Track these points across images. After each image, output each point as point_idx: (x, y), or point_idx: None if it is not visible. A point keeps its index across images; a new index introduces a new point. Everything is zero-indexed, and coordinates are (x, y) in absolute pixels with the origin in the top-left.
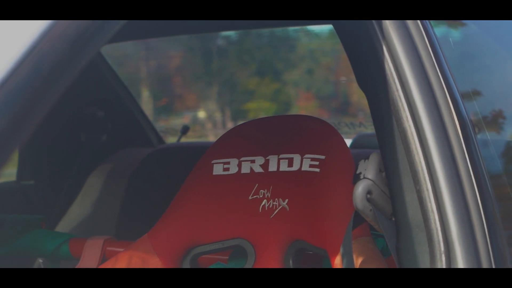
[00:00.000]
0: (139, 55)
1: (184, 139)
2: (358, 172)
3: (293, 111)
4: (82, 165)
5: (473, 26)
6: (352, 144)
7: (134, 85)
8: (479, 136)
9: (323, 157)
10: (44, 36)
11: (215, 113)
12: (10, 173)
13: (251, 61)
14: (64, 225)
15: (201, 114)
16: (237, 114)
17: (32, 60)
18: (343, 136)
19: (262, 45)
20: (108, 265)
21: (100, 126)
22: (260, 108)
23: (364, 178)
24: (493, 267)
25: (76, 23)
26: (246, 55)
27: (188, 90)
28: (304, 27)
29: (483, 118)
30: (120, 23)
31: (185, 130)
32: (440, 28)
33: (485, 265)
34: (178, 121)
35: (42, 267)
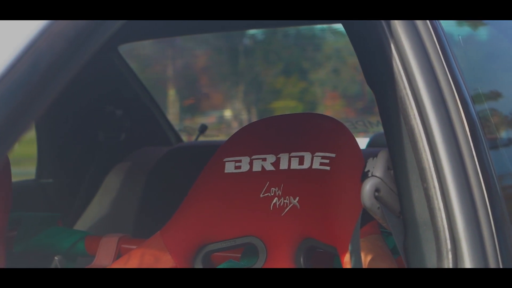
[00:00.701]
0: (166, 55)
1: (210, 139)
2: (366, 170)
3: (319, 110)
4: (101, 164)
5: (492, 27)
6: (369, 143)
7: (160, 85)
8: (503, 135)
9: (333, 155)
10: (42, 34)
11: (241, 113)
12: (29, 172)
13: (277, 60)
14: (82, 223)
15: (227, 113)
16: (263, 114)
17: (30, 58)
18: (361, 135)
19: (289, 44)
20: (120, 262)
21: (119, 125)
22: (286, 107)
23: (372, 176)
24: (500, 265)
25: (74, 21)
26: (273, 54)
27: (214, 89)
28: (330, 26)
29: (504, 118)
30: (119, 22)
31: (203, 129)
32: (464, 28)
33: (492, 263)
34: (204, 120)
35: (58, 264)
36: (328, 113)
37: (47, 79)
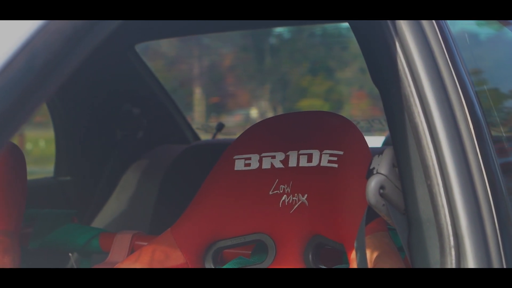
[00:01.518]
0: (192, 53)
1: (231, 137)
2: (371, 167)
3: (346, 109)
4: (118, 162)
5: None
6: (384, 142)
7: (187, 84)
8: None
9: (341, 152)
10: (39, 32)
11: (267, 111)
12: (48, 170)
13: (303, 59)
14: (100, 221)
15: (253, 112)
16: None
17: (25, 56)
18: (377, 133)
19: (315, 43)
20: (132, 258)
21: (136, 123)
22: (312, 106)
23: (377, 173)
24: (503, 261)
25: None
26: (299, 53)
27: (240, 88)
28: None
29: None
30: (116, 22)
31: (220, 127)
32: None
33: (494, 259)
34: (230, 119)
35: (73, 261)
36: (354, 112)
37: (42, 77)
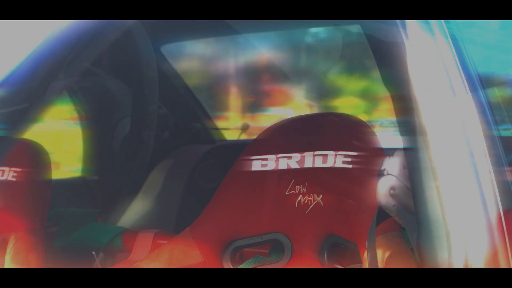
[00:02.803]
0: (228, 52)
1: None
2: (382, 168)
3: (381, 109)
4: (144, 161)
5: None
6: None
7: (222, 82)
8: None
9: (355, 153)
10: (43, 38)
11: (303, 110)
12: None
13: (339, 58)
14: (126, 220)
15: (289, 111)
16: (325, 111)
17: (29, 61)
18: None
19: (351, 42)
20: (151, 257)
21: (162, 123)
22: (348, 105)
23: (388, 174)
24: (511, 261)
25: (75, 25)
26: (335, 52)
27: (275, 87)
28: None
29: None
30: (124, 24)
31: (245, 127)
32: None
33: (502, 262)
34: (265, 118)
35: (96, 259)
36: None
37: (47, 82)
